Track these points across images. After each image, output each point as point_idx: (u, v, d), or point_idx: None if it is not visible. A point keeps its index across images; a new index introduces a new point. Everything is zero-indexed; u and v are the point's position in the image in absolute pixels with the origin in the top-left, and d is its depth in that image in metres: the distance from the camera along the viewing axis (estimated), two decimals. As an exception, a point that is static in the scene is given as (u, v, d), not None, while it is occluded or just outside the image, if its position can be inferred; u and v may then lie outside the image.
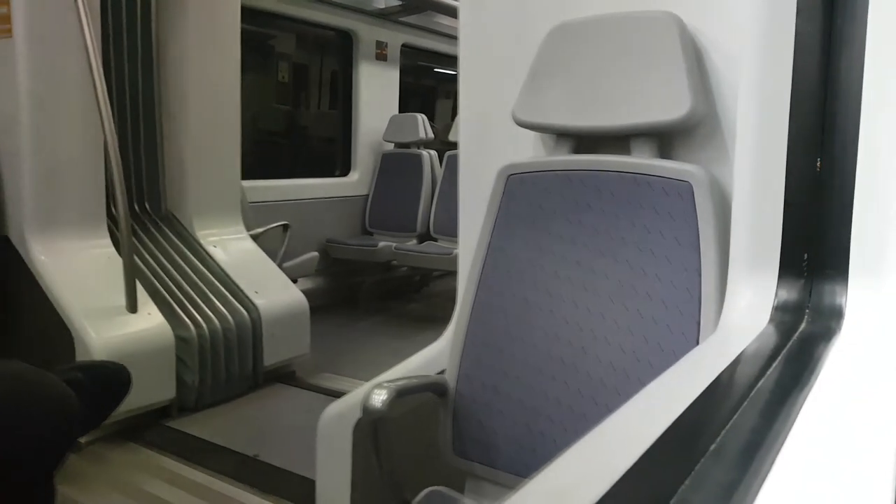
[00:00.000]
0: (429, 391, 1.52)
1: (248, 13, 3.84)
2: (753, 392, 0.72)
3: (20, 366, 1.20)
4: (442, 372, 1.57)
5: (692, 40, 1.38)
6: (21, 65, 2.65)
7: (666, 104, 1.34)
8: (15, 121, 2.69)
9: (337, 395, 1.63)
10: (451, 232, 4.50)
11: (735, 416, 0.64)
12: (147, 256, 3.19)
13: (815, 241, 0.99)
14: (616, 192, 1.37)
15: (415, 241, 5.11)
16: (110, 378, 1.47)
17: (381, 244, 4.89)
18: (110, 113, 2.64)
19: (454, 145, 4.31)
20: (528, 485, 0.54)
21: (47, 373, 1.24)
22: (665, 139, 1.44)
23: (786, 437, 0.59)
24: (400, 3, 5.21)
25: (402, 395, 1.35)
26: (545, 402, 1.40)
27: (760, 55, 1.02)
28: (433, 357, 1.69)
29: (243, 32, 3.64)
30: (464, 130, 1.81)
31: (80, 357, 2.56)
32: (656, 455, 0.55)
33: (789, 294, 1.01)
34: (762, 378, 0.76)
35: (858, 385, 0.77)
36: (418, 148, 5.33)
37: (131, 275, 2.73)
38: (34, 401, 1.18)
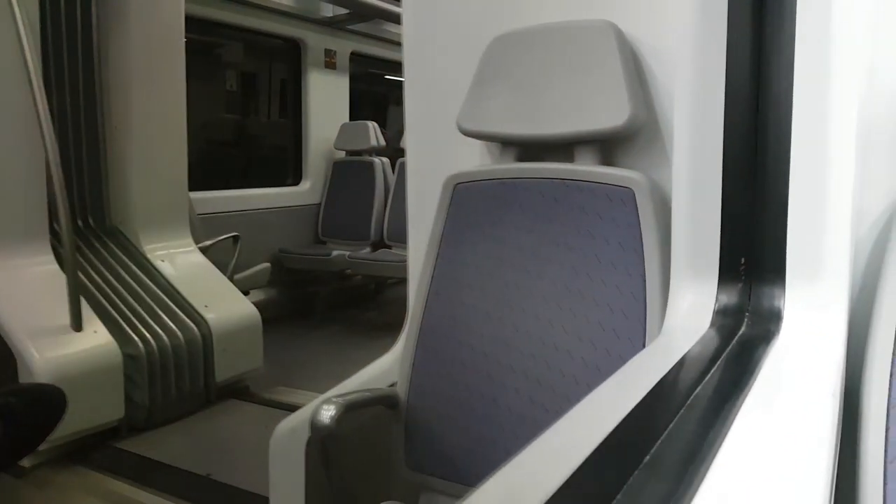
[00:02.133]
0: (380, 404, 1.50)
1: (193, 22, 3.78)
2: (692, 397, 0.73)
3: None
4: (394, 384, 1.55)
5: (630, 48, 1.40)
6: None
7: (607, 112, 1.36)
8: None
9: (292, 408, 1.60)
10: (405, 239, 4.46)
11: (672, 423, 0.64)
12: (92, 272, 3.11)
13: (753, 246, 1.01)
14: (561, 199, 1.38)
15: (369, 250, 5.09)
16: (44, 401, 1.43)
17: (335, 253, 4.86)
18: (51, 126, 2.57)
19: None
20: None
21: None
22: (607, 146, 1.45)
23: (721, 443, 0.60)
24: (348, 11, 5.19)
25: (351, 409, 1.33)
26: (497, 411, 1.39)
27: (694, 64, 1.04)
28: (385, 369, 1.68)
29: (189, 42, 3.58)
30: (410, 139, 1.80)
31: (23, 378, 2.47)
32: (592, 467, 0.55)
33: (729, 298, 1.02)
34: (702, 382, 0.77)
35: (796, 386, 0.79)
36: (370, 155, 5.31)
37: (75, 292, 2.66)
38: None
